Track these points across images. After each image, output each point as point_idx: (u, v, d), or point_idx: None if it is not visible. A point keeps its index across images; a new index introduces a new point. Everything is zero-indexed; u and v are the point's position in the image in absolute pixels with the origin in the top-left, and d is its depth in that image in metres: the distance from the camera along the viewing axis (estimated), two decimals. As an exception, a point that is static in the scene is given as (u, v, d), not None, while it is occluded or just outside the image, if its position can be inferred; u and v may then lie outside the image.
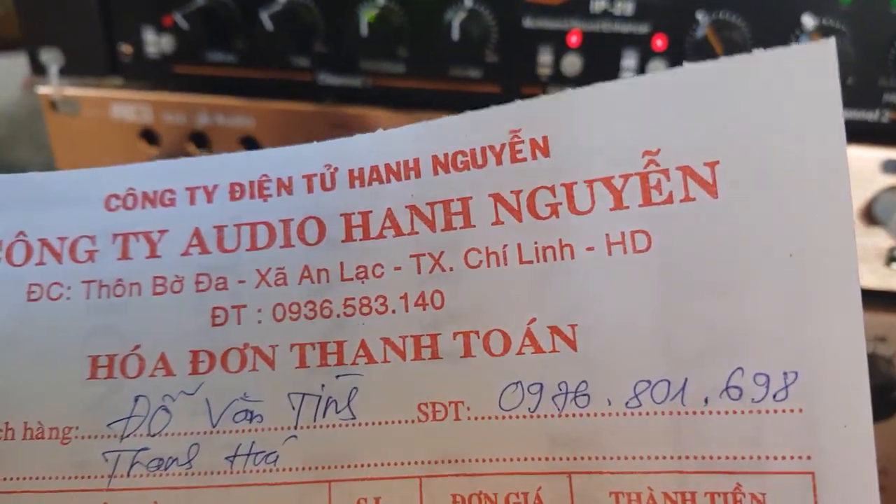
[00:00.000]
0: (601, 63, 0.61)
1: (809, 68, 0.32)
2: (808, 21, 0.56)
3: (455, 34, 0.59)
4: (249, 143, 0.68)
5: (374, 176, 0.36)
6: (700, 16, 0.58)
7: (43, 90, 0.69)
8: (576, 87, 0.57)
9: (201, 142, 0.68)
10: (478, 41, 0.60)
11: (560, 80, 0.62)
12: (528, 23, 0.61)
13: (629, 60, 0.60)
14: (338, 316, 0.35)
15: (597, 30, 0.60)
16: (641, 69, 0.60)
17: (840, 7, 0.56)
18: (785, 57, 0.32)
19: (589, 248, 0.33)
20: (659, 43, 0.59)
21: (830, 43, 0.31)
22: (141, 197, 0.37)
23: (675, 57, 0.59)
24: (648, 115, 0.33)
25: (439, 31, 0.60)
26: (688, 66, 0.33)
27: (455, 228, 0.35)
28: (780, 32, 0.57)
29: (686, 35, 0.59)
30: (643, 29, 0.59)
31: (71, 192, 0.38)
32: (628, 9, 0.59)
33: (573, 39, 0.60)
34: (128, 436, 0.35)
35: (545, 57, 0.61)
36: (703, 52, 0.57)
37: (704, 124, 0.33)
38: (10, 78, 1.07)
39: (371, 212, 0.35)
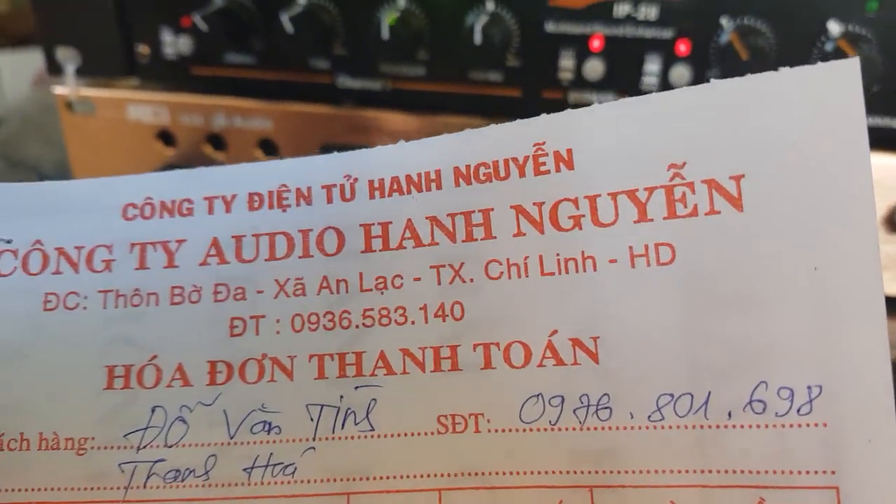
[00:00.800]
0: (624, 68, 0.61)
1: (834, 85, 0.32)
2: (834, 27, 0.56)
3: (477, 38, 0.59)
4: (267, 145, 0.68)
5: (395, 187, 0.36)
6: (724, 21, 0.58)
7: (59, 90, 0.69)
8: (598, 91, 0.57)
9: (218, 144, 0.69)
10: (499, 45, 0.60)
11: (582, 85, 0.62)
12: (551, 27, 0.61)
13: (652, 65, 0.60)
14: (357, 327, 0.35)
15: (620, 34, 0.60)
16: (664, 74, 0.60)
17: (866, 14, 0.56)
18: (810, 74, 0.32)
19: (612, 261, 0.33)
20: (682, 48, 0.59)
21: (855, 62, 0.32)
22: (158, 206, 0.37)
23: (698, 62, 0.60)
24: (674, 128, 0.33)
25: (460, 34, 0.61)
26: (714, 82, 0.33)
27: (476, 240, 0.35)
28: (805, 38, 0.57)
29: (710, 40, 0.59)
30: (667, 34, 0.59)
31: (88, 202, 0.38)
32: (652, 13, 0.59)
33: (596, 44, 0.60)
34: (144, 447, 0.35)
35: (567, 61, 0.61)
36: (728, 57, 0.57)
37: (730, 139, 0.33)
38: (20, 74, 1.07)
39: (391, 223, 0.35)
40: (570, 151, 0.34)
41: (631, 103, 0.34)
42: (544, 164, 0.34)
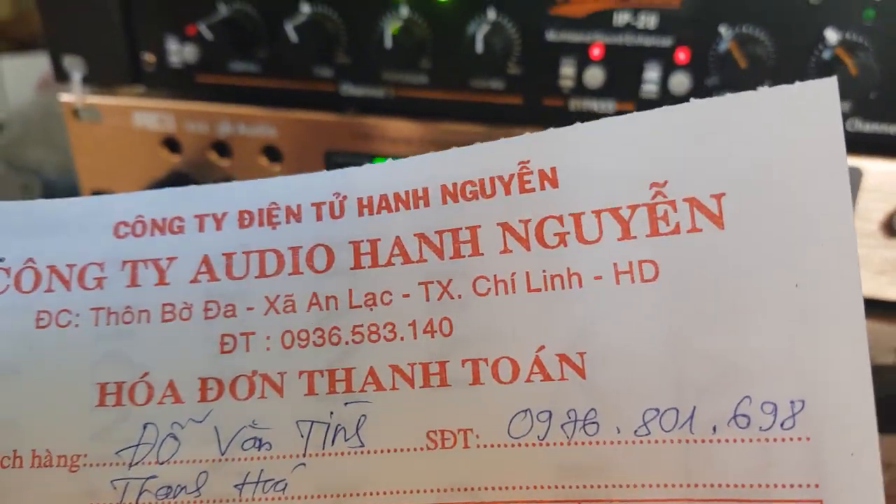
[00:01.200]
0: (624, 76, 0.61)
1: (813, 104, 0.32)
2: (832, 36, 0.56)
3: (479, 46, 0.59)
4: (271, 152, 0.68)
5: (383, 204, 0.36)
6: (723, 29, 0.58)
7: (65, 98, 0.70)
8: (598, 98, 0.58)
9: (223, 151, 0.69)
10: (501, 53, 0.60)
11: (582, 93, 0.62)
12: (551, 35, 0.61)
13: (652, 73, 0.60)
14: (346, 343, 0.35)
15: (619, 43, 0.60)
16: (664, 82, 0.60)
17: (863, 22, 0.56)
18: (789, 93, 0.32)
19: (597, 277, 0.33)
20: (682, 56, 0.59)
21: (832, 81, 0.32)
22: (150, 224, 0.37)
23: (698, 70, 0.60)
24: (656, 147, 0.34)
25: (462, 43, 0.61)
26: (695, 102, 0.33)
27: (463, 256, 0.35)
28: (803, 47, 0.57)
29: (709, 48, 0.59)
30: (666, 42, 0.59)
31: (80, 220, 0.38)
32: (651, 22, 0.59)
33: (596, 52, 0.61)
34: (136, 464, 0.35)
35: (568, 69, 0.61)
36: (727, 65, 0.57)
37: (711, 157, 0.33)
38: (23, 78, 1.07)
39: (380, 240, 0.35)
40: (554, 170, 0.34)
41: (613, 123, 0.34)
42: (529, 182, 0.35)
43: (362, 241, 0.36)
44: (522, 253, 0.34)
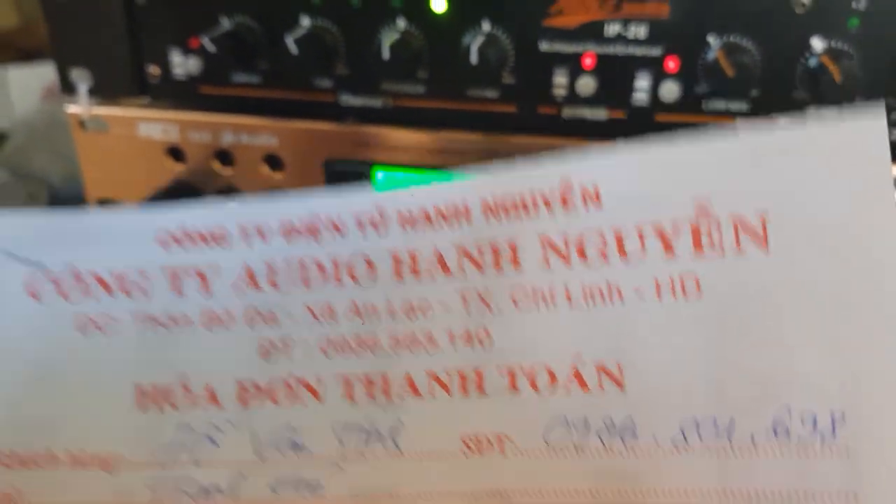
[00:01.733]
0: (615, 84, 0.60)
1: (861, 138, 0.32)
2: (817, 44, 0.56)
3: (474, 57, 0.58)
4: (273, 161, 0.67)
5: (425, 219, 0.35)
6: (711, 39, 0.57)
7: (72, 109, 0.68)
8: (590, 106, 0.56)
9: (226, 159, 0.68)
10: (495, 64, 0.59)
11: (575, 101, 0.61)
12: (544, 46, 0.60)
13: (642, 82, 0.60)
14: (384, 351, 0.34)
15: (611, 52, 0.59)
16: (654, 90, 0.59)
17: (848, 30, 0.56)
18: (838, 127, 0.32)
19: (638, 292, 0.33)
20: (671, 65, 0.59)
21: (880, 113, 0.31)
22: (194, 235, 0.36)
23: (687, 79, 0.59)
24: (700, 173, 0.33)
25: (458, 54, 0.60)
26: (742, 132, 0.33)
27: (503, 270, 0.34)
28: (789, 55, 0.57)
29: (698, 58, 0.58)
30: (656, 52, 0.59)
31: (123, 229, 0.37)
32: (641, 32, 0.58)
33: (588, 62, 0.60)
34: (172, 465, 0.35)
35: (560, 78, 0.61)
36: (715, 74, 0.57)
37: (758, 182, 0.32)
38: (28, 88, 1.06)
39: (420, 252, 0.35)
40: (597, 188, 0.34)
41: (656, 150, 0.34)
42: (572, 199, 0.34)
43: (403, 253, 0.35)
44: (562, 268, 0.34)
